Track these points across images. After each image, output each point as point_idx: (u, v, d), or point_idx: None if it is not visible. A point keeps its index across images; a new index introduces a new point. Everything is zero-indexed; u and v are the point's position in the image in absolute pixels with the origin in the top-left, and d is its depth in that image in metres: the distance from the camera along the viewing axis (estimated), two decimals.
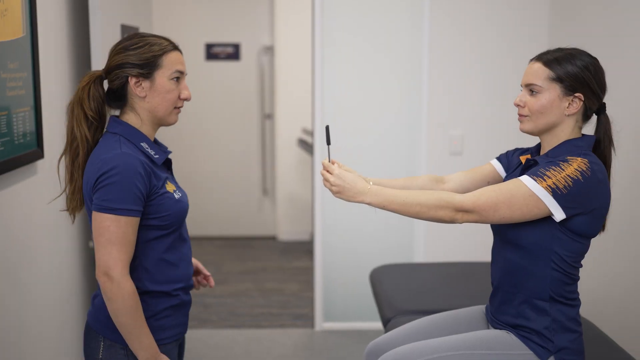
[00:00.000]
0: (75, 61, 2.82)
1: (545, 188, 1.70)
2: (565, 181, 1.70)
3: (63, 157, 1.89)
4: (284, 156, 6.03)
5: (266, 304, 4.45)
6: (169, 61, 1.86)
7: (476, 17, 3.66)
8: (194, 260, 2.13)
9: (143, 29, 3.33)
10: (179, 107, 1.92)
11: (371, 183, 1.89)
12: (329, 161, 1.91)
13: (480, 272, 3.04)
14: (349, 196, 1.85)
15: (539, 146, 1.96)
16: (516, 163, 2.01)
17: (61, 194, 1.94)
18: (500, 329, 1.91)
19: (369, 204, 1.84)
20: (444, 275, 3.03)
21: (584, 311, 2.35)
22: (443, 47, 3.66)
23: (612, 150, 1.89)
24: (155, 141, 1.97)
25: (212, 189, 6.23)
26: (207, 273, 2.19)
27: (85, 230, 2.93)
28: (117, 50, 1.87)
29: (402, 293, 2.77)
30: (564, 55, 1.82)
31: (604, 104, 1.87)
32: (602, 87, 1.84)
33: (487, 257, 3.56)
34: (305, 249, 5.79)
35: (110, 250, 1.73)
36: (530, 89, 1.85)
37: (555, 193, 1.70)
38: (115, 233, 1.73)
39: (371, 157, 3.77)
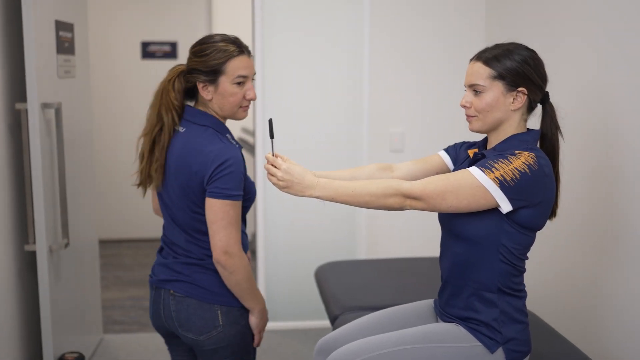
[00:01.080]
0: (7, 57, 2.72)
1: (493, 180, 1.73)
2: (513, 174, 1.73)
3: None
4: None
5: None
6: (232, 67, 2.06)
7: (415, 17, 3.70)
8: None
9: (78, 26, 3.23)
10: (245, 106, 2.14)
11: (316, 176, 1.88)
12: (273, 155, 1.89)
13: (424, 267, 3.07)
14: (297, 191, 1.84)
15: (485, 140, 1.99)
16: (464, 157, 2.03)
17: (137, 171, 2.20)
18: (449, 322, 1.93)
19: (317, 197, 1.83)
20: (389, 271, 3.04)
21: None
22: (383, 46, 3.69)
23: (560, 137, 1.93)
24: None
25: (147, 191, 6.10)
26: None
27: (21, 233, 2.83)
28: (190, 55, 2.12)
29: (349, 290, 2.77)
30: (502, 51, 1.85)
31: (547, 93, 1.91)
32: (543, 78, 1.87)
33: (428, 252, 3.61)
34: None
35: (231, 231, 2.02)
36: (474, 89, 1.87)
37: (503, 185, 1.72)
38: (234, 216, 2.02)
39: (312, 154, 3.75)
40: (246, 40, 5.17)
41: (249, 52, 2.12)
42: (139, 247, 5.84)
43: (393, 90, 3.73)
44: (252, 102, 2.16)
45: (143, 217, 6.05)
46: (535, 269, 2.66)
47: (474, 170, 1.76)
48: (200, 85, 2.08)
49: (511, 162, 1.74)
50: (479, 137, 2.07)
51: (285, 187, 1.85)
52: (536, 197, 1.77)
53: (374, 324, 2.02)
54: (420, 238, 3.79)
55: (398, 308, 2.09)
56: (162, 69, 5.81)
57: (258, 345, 2.21)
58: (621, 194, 2.34)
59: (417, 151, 3.76)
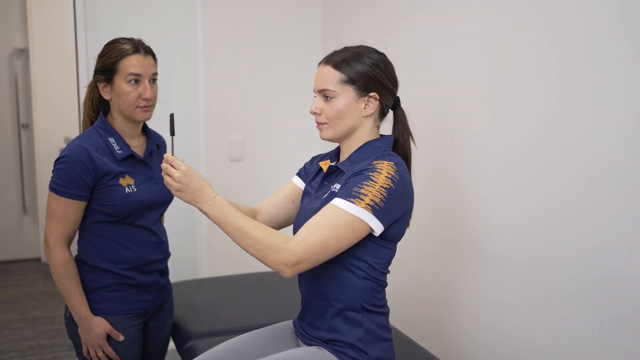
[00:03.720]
0: None
1: (365, 207, 1.62)
2: (380, 194, 1.63)
3: None
4: (46, 169, 5.48)
5: (35, 336, 3.97)
6: (125, 65, 2.07)
7: (250, 22, 3.56)
8: None
9: None
10: (143, 106, 2.10)
11: None
12: (172, 154, 1.72)
13: (272, 283, 2.94)
14: (190, 198, 1.67)
15: (337, 150, 1.89)
16: (315, 170, 1.92)
17: None
18: (313, 345, 1.80)
19: (205, 213, 1.66)
20: (236, 289, 2.85)
21: None
22: (218, 52, 3.51)
23: (412, 143, 1.87)
24: (148, 135, 2.25)
25: None
26: None
27: None
28: (97, 57, 2.15)
29: (196, 314, 2.55)
30: (352, 55, 1.75)
31: (398, 98, 1.84)
32: (394, 83, 1.80)
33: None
34: None
35: (50, 223, 2.07)
36: (324, 94, 1.76)
37: (375, 209, 1.62)
38: (56, 210, 2.05)
39: None
40: (66, 42, 4.81)
41: (147, 52, 2.12)
42: None
43: (230, 98, 3.57)
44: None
45: None
46: (389, 281, 2.63)
47: (342, 204, 1.63)
48: (100, 87, 2.13)
49: (375, 182, 1.64)
50: (319, 144, 1.97)
51: (179, 190, 1.67)
52: (401, 208, 1.70)
53: (232, 352, 1.84)
54: None
55: (255, 333, 1.92)
56: None
57: (87, 356, 2.15)
58: (465, 200, 2.35)
59: (258, 160, 3.64)
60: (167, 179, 1.69)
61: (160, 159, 2.29)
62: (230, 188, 3.56)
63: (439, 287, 2.54)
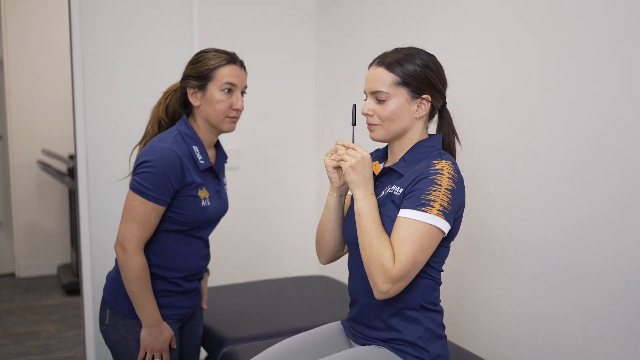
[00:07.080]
0: None
1: (437, 214, 1.64)
2: (447, 196, 1.66)
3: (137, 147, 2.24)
4: (21, 182, 5.38)
5: (22, 352, 3.86)
6: (221, 74, 2.10)
7: (245, 30, 3.56)
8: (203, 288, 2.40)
9: None
10: (232, 117, 2.13)
11: None
12: (353, 142, 1.79)
13: (289, 288, 2.94)
14: (355, 179, 1.71)
15: (385, 150, 1.91)
16: None
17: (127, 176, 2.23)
18: (370, 345, 1.81)
19: (356, 199, 1.71)
20: (254, 295, 2.84)
21: None
22: None
23: (458, 144, 1.90)
24: (218, 147, 2.26)
25: None
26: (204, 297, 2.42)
27: None
28: (187, 64, 2.17)
29: (223, 320, 2.51)
30: (404, 56, 1.77)
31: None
32: (444, 84, 1.83)
33: (274, 274, 3.48)
34: (51, 283, 5.22)
35: (131, 226, 2.01)
36: (377, 97, 1.77)
37: (445, 213, 1.66)
38: (140, 213, 2.01)
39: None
40: (44, 53, 4.75)
41: (241, 65, 2.16)
42: None
43: None
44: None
45: None
46: None
47: (415, 215, 1.65)
48: (190, 92, 2.13)
49: (441, 185, 1.67)
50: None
51: (353, 167, 1.71)
52: (462, 206, 1.74)
53: (287, 354, 1.83)
54: (262, 261, 3.66)
55: (307, 335, 1.92)
56: None
57: None
58: (486, 208, 2.39)
59: (253, 168, 3.63)
60: (345, 156, 1.73)
61: (224, 174, 2.32)
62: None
63: (459, 295, 2.56)
